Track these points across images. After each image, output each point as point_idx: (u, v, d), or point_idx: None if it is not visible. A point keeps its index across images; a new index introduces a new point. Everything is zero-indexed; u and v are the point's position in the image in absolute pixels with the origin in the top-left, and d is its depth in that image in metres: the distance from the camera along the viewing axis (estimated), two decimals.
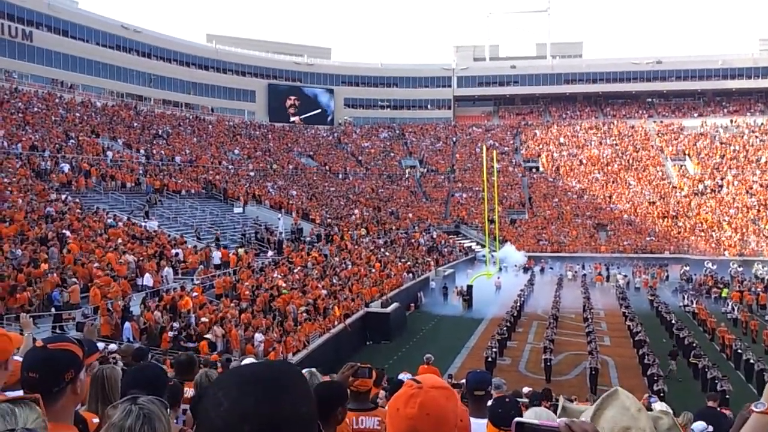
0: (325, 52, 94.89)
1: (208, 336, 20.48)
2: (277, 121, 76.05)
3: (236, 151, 60.06)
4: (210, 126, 64.79)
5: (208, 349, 19.62)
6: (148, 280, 23.95)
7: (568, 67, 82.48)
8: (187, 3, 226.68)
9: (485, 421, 3.60)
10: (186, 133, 58.49)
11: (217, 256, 30.26)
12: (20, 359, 3.55)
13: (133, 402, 2.03)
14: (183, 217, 37.12)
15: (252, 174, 54.68)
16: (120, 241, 26.17)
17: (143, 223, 31.22)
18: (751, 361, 23.39)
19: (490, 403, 3.76)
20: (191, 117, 65.17)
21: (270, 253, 34.97)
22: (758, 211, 56.36)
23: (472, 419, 2.10)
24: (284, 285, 28.26)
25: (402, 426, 1.67)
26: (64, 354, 2.41)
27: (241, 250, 32.19)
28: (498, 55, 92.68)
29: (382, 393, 7.52)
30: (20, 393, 3.04)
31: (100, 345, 10.18)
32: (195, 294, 23.42)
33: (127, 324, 19.28)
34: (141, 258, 25.40)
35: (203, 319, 21.37)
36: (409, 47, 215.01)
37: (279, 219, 41.46)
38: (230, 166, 53.66)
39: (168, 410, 2.15)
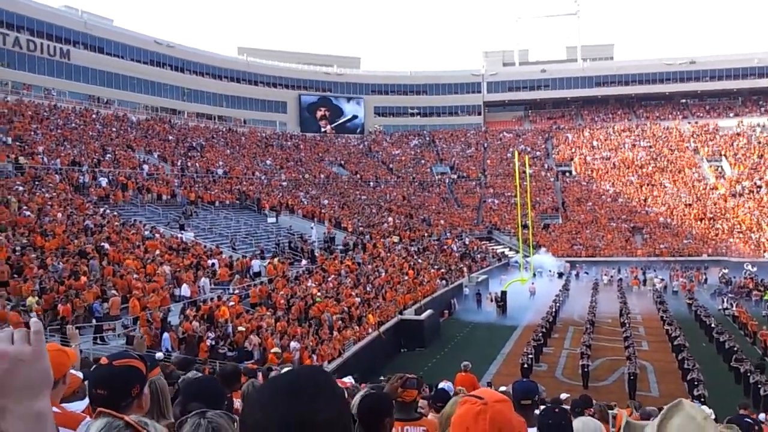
0: (355, 61, 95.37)
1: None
2: (308, 131, 76.67)
3: (268, 162, 60.68)
4: (243, 137, 65.60)
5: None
6: (185, 290, 24.33)
7: (599, 69, 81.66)
8: (218, 17, 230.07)
9: (534, 430, 3.61)
10: (219, 145, 59.30)
11: (257, 264, 30.74)
12: (77, 373, 3.69)
13: (202, 416, 2.09)
14: (218, 228, 37.62)
15: (284, 184, 55.21)
16: (157, 252, 26.63)
17: (179, 235, 31.73)
18: None
19: (538, 412, 3.77)
20: (224, 129, 66.06)
21: (303, 262, 35.23)
22: None
23: None
24: (318, 293, 28.45)
25: None
26: (130, 370, 2.51)
27: (275, 260, 32.49)
28: (527, 59, 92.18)
29: (423, 401, 7.54)
30: (81, 404, 3.16)
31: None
32: (232, 303, 23.70)
33: (165, 334, 19.56)
34: (178, 269, 25.81)
35: (240, 328, 21.60)
36: (438, 54, 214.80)
37: (312, 228, 41.77)
38: (263, 177, 54.25)
39: (235, 424, 2.19)
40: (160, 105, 63.89)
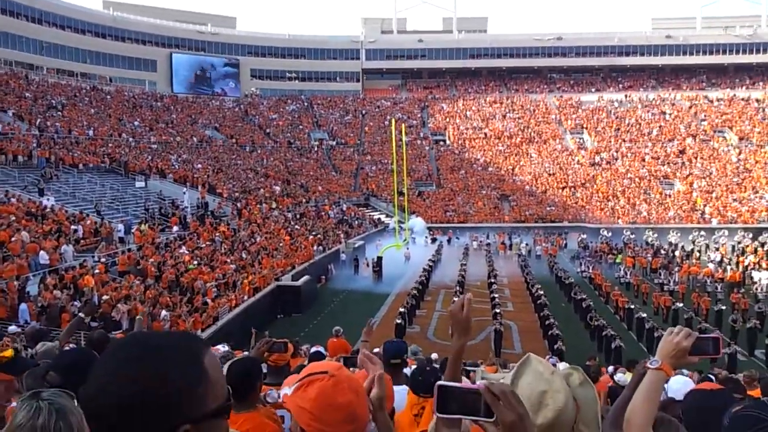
0: (230, 21, 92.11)
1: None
2: (180, 92, 73.55)
3: (137, 123, 57.75)
4: (108, 97, 61.90)
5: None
6: (44, 258, 22.82)
7: (473, 41, 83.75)
8: None
9: (403, 387, 3.73)
10: (82, 105, 55.67)
11: (120, 229, 29.47)
12: None
13: (38, 398, 1.87)
14: (81, 193, 35.51)
15: (154, 147, 52.81)
16: (13, 218, 24.76)
17: (39, 199, 29.65)
18: (643, 320, 25.13)
19: (409, 371, 3.89)
20: (88, 87, 61.96)
21: (175, 228, 34.05)
22: (649, 181, 59.81)
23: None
24: (192, 261, 27.69)
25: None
26: None
27: (144, 226, 31.16)
28: (405, 28, 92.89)
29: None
30: None
31: None
32: (97, 271, 22.58)
33: (23, 305, 18.38)
34: (36, 235, 24.14)
35: (105, 297, 20.64)
36: (317, 18, 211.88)
37: (184, 193, 40.36)
38: (131, 139, 51.58)
39: (76, 401, 1.92)
40: (15, 59, 58.80)
